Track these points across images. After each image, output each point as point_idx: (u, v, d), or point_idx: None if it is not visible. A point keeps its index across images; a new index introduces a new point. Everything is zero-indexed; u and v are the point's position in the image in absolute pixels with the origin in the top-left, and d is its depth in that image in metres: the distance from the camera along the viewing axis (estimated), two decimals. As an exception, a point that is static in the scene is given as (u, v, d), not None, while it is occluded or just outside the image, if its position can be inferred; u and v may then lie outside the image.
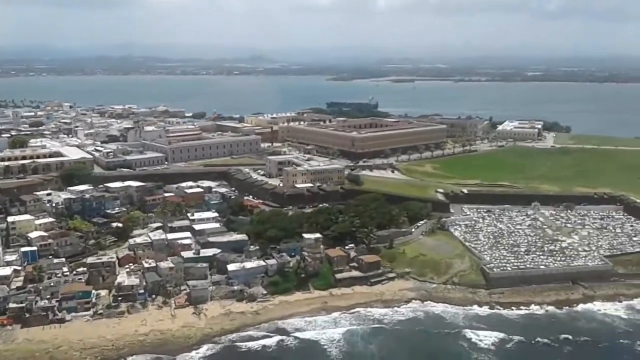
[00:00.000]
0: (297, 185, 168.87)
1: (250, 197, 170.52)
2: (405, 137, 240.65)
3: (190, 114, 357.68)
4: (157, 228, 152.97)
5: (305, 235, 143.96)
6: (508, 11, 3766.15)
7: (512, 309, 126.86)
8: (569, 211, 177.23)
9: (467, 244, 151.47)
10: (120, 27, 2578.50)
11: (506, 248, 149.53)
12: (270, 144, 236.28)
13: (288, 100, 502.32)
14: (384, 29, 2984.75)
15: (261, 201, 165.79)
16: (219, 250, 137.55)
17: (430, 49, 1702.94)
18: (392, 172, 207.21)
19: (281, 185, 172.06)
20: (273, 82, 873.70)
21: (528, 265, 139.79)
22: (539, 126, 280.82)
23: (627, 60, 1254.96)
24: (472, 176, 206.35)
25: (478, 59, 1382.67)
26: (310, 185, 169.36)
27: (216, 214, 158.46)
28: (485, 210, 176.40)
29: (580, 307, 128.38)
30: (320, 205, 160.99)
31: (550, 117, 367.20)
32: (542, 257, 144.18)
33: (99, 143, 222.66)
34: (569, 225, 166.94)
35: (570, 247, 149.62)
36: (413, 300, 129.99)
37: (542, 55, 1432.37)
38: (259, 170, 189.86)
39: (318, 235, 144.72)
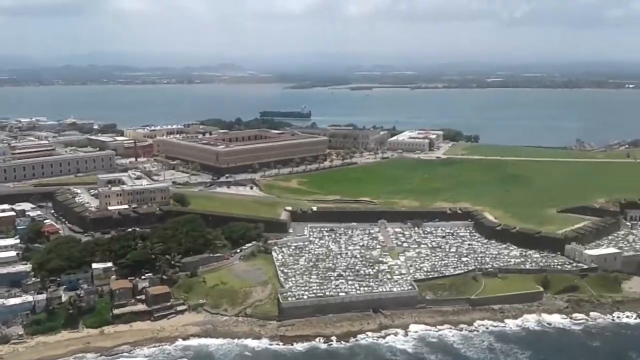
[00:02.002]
0: (110, 208, 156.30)
1: (65, 221, 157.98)
2: (281, 150, 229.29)
3: (97, 127, 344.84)
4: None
5: (94, 265, 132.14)
6: (478, 18, 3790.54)
7: (293, 344, 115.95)
8: (416, 228, 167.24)
9: (281, 268, 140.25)
10: (88, 35, 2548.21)
11: (320, 273, 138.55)
12: (134, 159, 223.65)
13: (222, 109, 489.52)
14: (357, 36, 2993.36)
15: (68, 226, 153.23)
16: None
17: (404, 56, 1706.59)
18: (251, 188, 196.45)
19: (94, 207, 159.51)
20: (223, 91, 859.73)
21: (328, 293, 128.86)
22: (434, 136, 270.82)
23: (592, 66, 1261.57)
24: (337, 191, 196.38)
25: (447, 66, 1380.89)
26: (125, 207, 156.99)
27: (17, 241, 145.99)
28: (327, 230, 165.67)
29: (369, 339, 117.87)
30: (131, 229, 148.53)
31: (474, 125, 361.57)
32: (350, 282, 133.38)
33: None
34: (405, 244, 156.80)
35: (387, 271, 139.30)
36: (191, 337, 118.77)
37: (510, 62, 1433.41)
38: (92, 190, 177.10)
39: (109, 264, 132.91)
